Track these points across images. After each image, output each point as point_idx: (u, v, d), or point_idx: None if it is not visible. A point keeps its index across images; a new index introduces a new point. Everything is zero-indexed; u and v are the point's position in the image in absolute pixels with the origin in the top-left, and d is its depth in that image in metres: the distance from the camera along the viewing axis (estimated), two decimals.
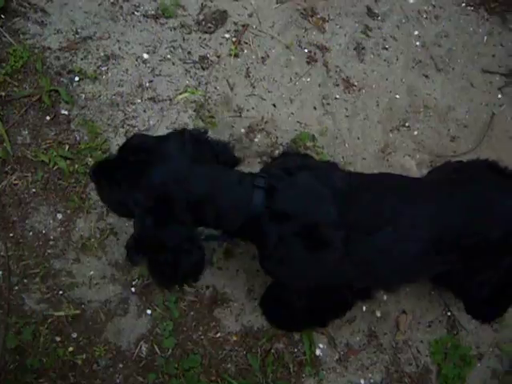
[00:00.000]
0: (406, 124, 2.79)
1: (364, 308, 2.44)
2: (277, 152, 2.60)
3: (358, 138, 2.71)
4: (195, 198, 1.67)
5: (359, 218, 1.80)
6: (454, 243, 1.89)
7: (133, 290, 2.32)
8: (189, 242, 1.70)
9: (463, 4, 3.10)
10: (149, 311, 2.31)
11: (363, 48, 2.89)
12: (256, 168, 2.45)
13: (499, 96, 2.96)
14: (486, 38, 3.06)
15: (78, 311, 2.26)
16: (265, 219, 1.75)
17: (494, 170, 2.12)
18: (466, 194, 1.95)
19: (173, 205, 1.65)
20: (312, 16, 2.90)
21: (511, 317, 2.56)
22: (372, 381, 2.39)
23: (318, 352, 2.36)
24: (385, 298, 2.47)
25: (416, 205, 1.89)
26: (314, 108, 2.73)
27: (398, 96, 2.83)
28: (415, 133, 2.79)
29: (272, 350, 2.32)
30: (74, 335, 2.24)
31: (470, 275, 2.13)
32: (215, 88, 2.67)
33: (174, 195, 1.64)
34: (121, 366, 2.24)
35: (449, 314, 2.53)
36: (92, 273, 2.32)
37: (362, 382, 2.38)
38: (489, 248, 1.96)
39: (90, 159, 2.43)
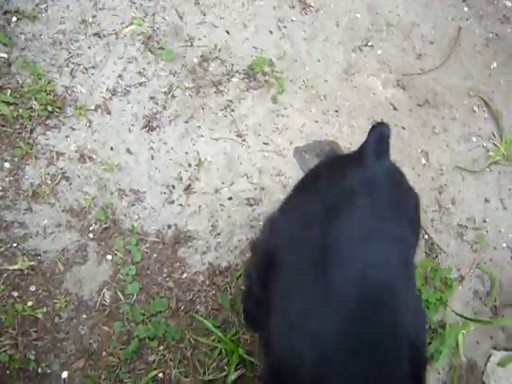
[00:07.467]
0: (369, 43, 2.65)
1: None
2: (233, 80, 2.46)
3: (319, 61, 2.56)
4: None
5: None
6: None
7: (90, 235, 2.19)
8: None
9: None
10: (109, 257, 2.18)
11: None
12: (212, 99, 2.31)
13: (465, 9, 2.83)
14: None
15: (34, 263, 2.13)
16: None
17: None
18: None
19: None
20: None
21: (490, 237, 2.49)
22: None
23: None
24: None
25: None
26: (270, 32, 2.58)
27: (358, 15, 2.69)
28: (379, 52, 2.65)
29: (242, 287, 2.21)
30: (32, 288, 2.11)
31: None
32: (163, 18, 2.50)
33: None
34: (84, 316, 2.12)
35: (426, 237, 2.44)
36: (46, 221, 2.18)
37: None
38: None
39: (34, 102, 2.27)
